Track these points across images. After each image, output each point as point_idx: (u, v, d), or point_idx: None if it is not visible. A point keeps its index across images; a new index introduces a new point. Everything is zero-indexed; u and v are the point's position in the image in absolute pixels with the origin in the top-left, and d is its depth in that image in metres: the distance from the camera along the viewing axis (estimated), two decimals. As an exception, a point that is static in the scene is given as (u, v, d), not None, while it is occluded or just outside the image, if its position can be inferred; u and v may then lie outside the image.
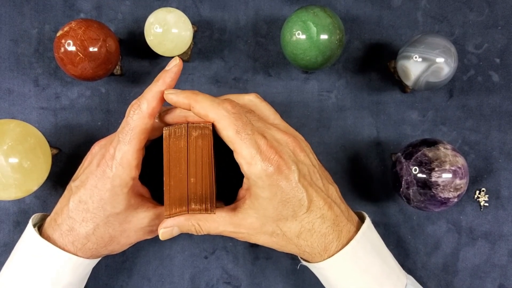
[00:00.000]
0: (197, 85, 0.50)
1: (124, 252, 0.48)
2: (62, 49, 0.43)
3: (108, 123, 0.50)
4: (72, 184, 0.43)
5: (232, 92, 0.50)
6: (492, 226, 0.50)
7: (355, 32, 0.50)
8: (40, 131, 0.46)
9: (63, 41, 0.43)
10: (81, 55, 0.43)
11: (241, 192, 0.43)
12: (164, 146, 0.39)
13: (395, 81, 0.50)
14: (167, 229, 0.41)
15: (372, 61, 0.51)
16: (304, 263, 0.44)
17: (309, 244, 0.40)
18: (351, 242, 0.40)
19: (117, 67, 0.49)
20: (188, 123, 0.40)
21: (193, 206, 0.39)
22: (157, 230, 0.43)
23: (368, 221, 0.43)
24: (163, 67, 0.50)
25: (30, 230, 0.42)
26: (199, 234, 0.42)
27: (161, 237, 0.41)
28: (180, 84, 0.50)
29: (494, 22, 0.50)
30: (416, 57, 0.44)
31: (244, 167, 0.38)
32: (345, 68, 0.51)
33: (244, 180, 0.41)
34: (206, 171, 0.39)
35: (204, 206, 0.39)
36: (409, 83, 0.45)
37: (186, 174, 0.39)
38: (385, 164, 0.51)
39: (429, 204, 0.43)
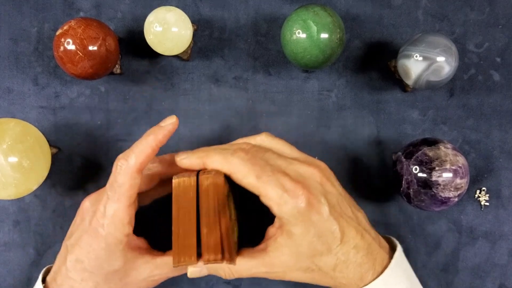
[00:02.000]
0: (197, 84, 0.50)
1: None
2: (62, 48, 0.43)
3: (108, 122, 0.50)
4: (67, 242, 0.42)
5: (231, 91, 0.50)
6: (493, 225, 0.50)
7: (355, 31, 0.50)
8: (39, 130, 0.46)
9: (62, 40, 0.43)
10: (81, 54, 0.43)
11: (271, 230, 0.42)
12: (174, 196, 0.38)
13: (395, 80, 0.50)
14: (196, 269, 0.41)
15: (373, 60, 0.51)
16: None
17: (345, 275, 0.39)
18: (386, 270, 0.39)
19: (116, 66, 0.49)
20: (198, 172, 0.39)
21: (207, 257, 0.37)
22: (159, 279, 0.43)
23: (400, 248, 0.42)
24: (163, 66, 0.50)
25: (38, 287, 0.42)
26: (230, 278, 0.41)
27: (189, 275, 0.41)
28: (180, 83, 0.50)
29: (495, 21, 0.50)
30: (416, 56, 0.43)
31: (274, 209, 0.37)
32: (346, 67, 0.51)
33: (276, 219, 0.40)
34: (218, 221, 0.37)
35: (220, 256, 0.37)
36: (410, 82, 0.45)
37: (195, 224, 0.38)
38: (386, 163, 0.51)
39: (430, 203, 0.43)
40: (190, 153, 0.40)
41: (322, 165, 0.42)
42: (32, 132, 0.44)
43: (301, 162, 0.40)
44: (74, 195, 0.50)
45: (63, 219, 0.50)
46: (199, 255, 0.38)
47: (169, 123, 0.40)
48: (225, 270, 0.40)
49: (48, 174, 0.45)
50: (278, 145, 0.43)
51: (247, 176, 0.37)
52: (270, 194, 0.37)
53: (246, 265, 0.40)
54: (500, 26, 0.50)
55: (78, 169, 0.50)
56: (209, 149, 0.40)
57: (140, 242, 0.43)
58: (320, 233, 0.38)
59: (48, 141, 0.47)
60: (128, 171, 0.38)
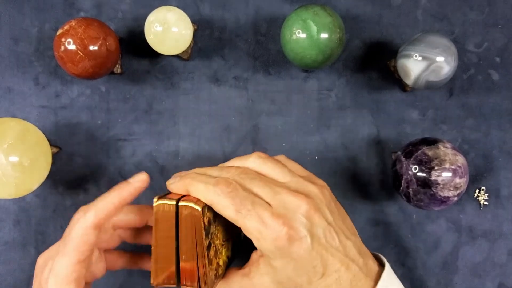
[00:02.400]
0: (197, 83, 0.50)
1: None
2: (62, 48, 0.43)
3: (108, 122, 0.50)
4: None
5: (231, 91, 0.50)
6: (492, 225, 0.50)
7: (355, 31, 0.50)
8: (40, 129, 0.46)
9: (63, 39, 0.43)
10: (81, 54, 0.43)
11: (254, 256, 0.41)
12: (154, 218, 0.38)
13: (395, 80, 0.50)
14: None
15: (372, 60, 0.51)
16: None
17: None
18: None
19: (117, 65, 0.49)
20: (178, 200, 0.38)
21: (184, 282, 0.38)
22: None
23: (387, 270, 0.40)
24: (163, 66, 0.50)
25: None
26: None
27: None
28: (180, 83, 0.50)
29: (494, 21, 0.50)
30: (416, 56, 0.44)
31: (254, 242, 0.37)
32: (345, 67, 0.51)
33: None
34: (195, 250, 0.38)
35: (197, 284, 0.38)
36: (409, 82, 0.45)
37: (174, 248, 0.38)
38: (385, 163, 0.51)
39: (429, 203, 0.43)
40: (178, 178, 0.40)
41: (314, 191, 0.39)
42: (32, 132, 0.44)
43: (289, 191, 0.38)
44: (75, 194, 0.50)
45: (63, 219, 0.50)
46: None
47: (138, 180, 0.39)
48: None
49: (49, 173, 0.45)
50: (268, 169, 0.41)
51: (226, 209, 0.37)
52: (250, 228, 0.37)
53: (227, 287, 0.40)
54: (499, 26, 0.50)
55: (79, 168, 0.50)
56: (196, 176, 0.39)
57: None
58: (300, 267, 0.37)
59: (48, 140, 0.47)
60: (83, 225, 0.37)
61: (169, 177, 0.50)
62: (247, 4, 0.50)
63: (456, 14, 0.50)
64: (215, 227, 0.40)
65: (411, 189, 0.43)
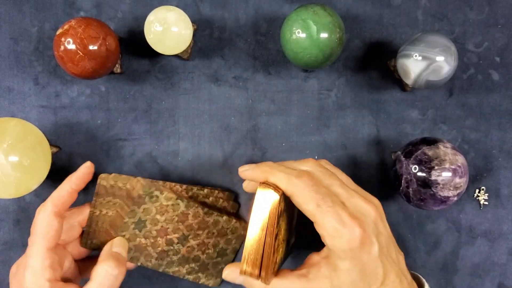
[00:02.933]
0: (197, 83, 0.50)
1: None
2: (62, 48, 0.43)
3: (108, 122, 0.50)
4: None
5: (231, 90, 0.50)
6: (492, 224, 0.50)
7: (355, 30, 0.50)
8: (40, 129, 0.46)
9: (63, 39, 0.43)
10: (81, 54, 0.43)
11: (315, 258, 0.41)
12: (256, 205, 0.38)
13: (395, 80, 0.50)
14: (232, 276, 0.42)
15: (372, 60, 0.51)
16: None
17: None
18: None
19: (117, 65, 0.49)
20: (282, 193, 0.38)
21: (244, 268, 0.38)
22: None
23: None
24: (163, 66, 0.50)
25: None
26: None
27: (224, 276, 0.42)
28: (180, 83, 0.50)
29: (494, 20, 0.50)
30: (416, 56, 0.43)
31: (327, 239, 0.37)
32: (345, 66, 0.51)
33: (324, 249, 0.40)
34: (263, 238, 0.38)
35: (257, 271, 0.38)
36: (409, 81, 0.45)
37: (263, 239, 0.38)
38: (385, 162, 0.51)
39: (429, 202, 0.43)
40: (254, 165, 0.41)
41: (377, 202, 0.41)
42: (32, 131, 0.44)
43: (360, 196, 0.40)
44: (75, 194, 0.50)
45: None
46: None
47: (83, 167, 0.45)
48: (259, 287, 0.40)
49: (49, 173, 0.45)
50: (338, 172, 0.43)
51: (307, 203, 0.37)
52: (327, 225, 0.37)
53: (282, 286, 0.40)
54: (499, 26, 0.50)
55: (79, 168, 0.50)
56: (274, 165, 0.40)
57: None
58: (365, 273, 0.37)
59: (48, 140, 0.47)
60: (44, 214, 0.41)
61: (169, 177, 0.50)
62: (247, 4, 0.50)
63: (456, 14, 0.50)
64: (282, 221, 0.40)
65: (411, 189, 0.43)
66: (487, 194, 0.50)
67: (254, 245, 0.38)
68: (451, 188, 0.42)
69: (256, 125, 0.50)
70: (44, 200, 0.50)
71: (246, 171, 0.40)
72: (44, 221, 0.40)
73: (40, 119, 0.50)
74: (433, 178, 0.42)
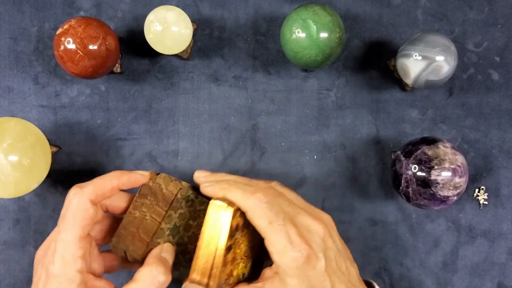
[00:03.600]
0: (196, 83, 0.50)
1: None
2: (62, 47, 0.43)
3: (108, 121, 0.50)
4: None
5: (231, 90, 0.50)
6: (492, 224, 0.50)
7: (355, 30, 0.50)
8: (40, 129, 0.46)
9: (62, 39, 0.43)
10: (81, 53, 0.43)
11: (268, 272, 0.41)
12: (205, 219, 0.39)
13: (395, 80, 0.50)
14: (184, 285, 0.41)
15: (372, 60, 0.51)
16: None
17: None
18: None
19: (116, 65, 0.49)
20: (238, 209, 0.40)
21: (194, 276, 0.39)
22: None
23: None
24: (162, 65, 0.50)
25: None
26: None
27: None
28: (180, 82, 0.50)
29: (494, 20, 0.50)
30: (416, 56, 0.43)
31: (275, 256, 0.38)
32: (345, 66, 0.51)
33: (274, 264, 0.41)
34: (216, 247, 0.39)
35: (206, 280, 0.39)
36: (409, 81, 0.45)
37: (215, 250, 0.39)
38: (385, 162, 0.51)
39: (429, 202, 0.43)
40: (214, 181, 0.41)
41: (327, 219, 0.42)
42: (32, 131, 0.44)
43: (307, 214, 0.41)
44: (74, 194, 0.50)
45: (63, 218, 0.50)
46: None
47: (141, 173, 0.42)
48: None
49: (48, 173, 0.45)
50: (287, 192, 0.43)
51: (260, 219, 0.38)
52: (276, 242, 0.38)
53: None
54: (499, 26, 0.50)
55: (78, 168, 0.50)
56: (232, 182, 0.41)
57: (101, 284, 0.39)
58: (312, 287, 0.38)
59: (48, 140, 0.47)
60: (81, 199, 0.37)
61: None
62: (246, 4, 0.50)
63: (456, 14, 0.50)
64: (241, 236, 0.41)
65: (410, 189, 0.43)
66: (486, 194, 0.50)
67: (204, 255, 0.38)
68: (451, 188, 0.42)
69: (255, 125, 0.51)
70: (43, 199, 0.50)
71: (206, 187, 0.41)
72: (80, 206, 0.37)
73: (40, 118, 0.50)
74: (432, 177, 0.42)
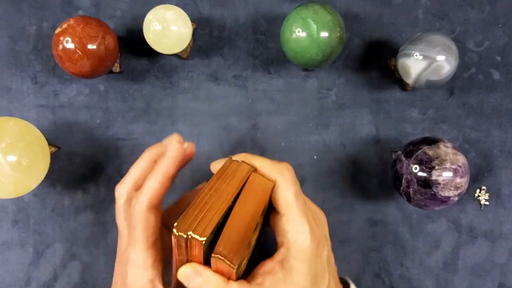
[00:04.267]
0: (196, 82, 0.50)
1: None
2: (61, 47, 0.43)
3: (107, 121, 0.50)
4: None
5: (231, 89, 0.50)
6: (493, 224, 0.50)
7: (355, 29, 0.50)
8: (38, 128, 0.45)
9: (61, 38, 0.43)
10: (80, 53, 0.43)
11: (269, 264, 0.38)
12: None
13: (395, 79, 0.50)
14: (191, 273, 0.37)
15: (373, 59, 0.50)
16: None
17: None
18: None
19: (116, 64, 0.49)
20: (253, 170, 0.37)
21: (221, 249, 0.33)
22: None
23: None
24: (162, 65, 0.50)
25: None
26: None
27: (179, 276, 0.38)
28: (179, 82, 0.50)
29: (495, 19, 0.50)
30: (416, 55, 0.43)
31: (290, 235, 0.37)
32: (345, 65, 0.50)
33: (282, 250, 0.38)
34: (251, 222, 0.35)
35: (230, 255, 0.33)
36: (410, 81, 0.45)
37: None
38: (385, 162, 0.51)
39: (430, 202, 0.43)
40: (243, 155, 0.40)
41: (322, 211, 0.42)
42: (31, 131, 0.44)
43: (312, 203, 0.41)
44: (73, 194, 0.50)
45: (62, 218, 0.50)
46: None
47: (173, 149, 0.37)
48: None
49: (47, 173, 0.45)
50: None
51: (287, 190, 0.37)
52: (297, 220, 0.37)
53: None
54: (500, 25, 0.50)
55: (77, 167, 0.50)
56: (255, 155, 0.40)
57: None
58: (317, 276, 0.37)
59: (47, 139, 0.47)
60: (140, 210, 0.37)
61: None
62: (246, 3, 0.50)
63: (457, 13, 0.50)
64: (258, 227, 0.38)
65: (411, 189, 0.43)
66: (487, 194, 0.50)
67: (234, 229, 0.34)
68: (452, 188, 0.42)
69: (255, 125, 0.50)
70: (42, 199, 0.50)
71: (234, 157, 0.39)
72: (140, 218, 0.37)
73: (39, 118, 0.50)
74: (433, 178, 0.42)
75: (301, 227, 0.36)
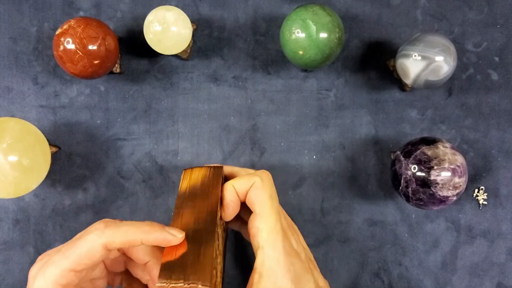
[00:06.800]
0: (196, 83, 0.50)
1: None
2: (61, 47, 0.43)
3: (107, 121, 0.50)
4: None
5: (230, 90, 0.50)
6: (491, 224, 0.50)
7: (354, 30, 0.50)
8: (39, 129, 0.46)
9: (62, 39, 0.43)
10: (80, 53, 0.43)
11: (252, 277, 0.38)
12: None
13: (394, 80, 0.50)
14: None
15: (371, 60, 0.51)
16: None
17: None
18: None
19: (116, 65, 0.49)
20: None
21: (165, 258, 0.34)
22: None
23: None
24: (162, 65, 0.50)
25: None
26: None
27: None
28: (179, 82, 0.50)
29: (493, 20, 0.50)
30: (415, 56, 0.44)
31: (264, 233, 0.37)
32: (344, 66, 0.51)
33: (257, 263, 0.37)
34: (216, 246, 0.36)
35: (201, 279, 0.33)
36: (408, 81, 0.45)
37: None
38: (384, 162, 0.51)
39: (428, 202, 0.43)
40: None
41: None
42: (31, 131, 0.44)
43: (281, 208, 0.43)
44: (74, 194, 0.50)
45: (62, 218, 0.50)
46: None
47: (174, 233, 0.36)
48: None
49: (48, 173, 0.45)
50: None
51: (265, 189, 0.39)
52: (269, 218, 0.38)
53: None
54: (498, 26, 0.50)
55: (78, 168, 0.50)
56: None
57: None
58: (299, 278, 0.38)
59: (47, 140, 0.47)
60: (95, 239, 0.35)
61: (169, 177, 0.50)
62: (246, 4, 0.50)
63: (455, 14, 0.50)
64: (219, 229, 0.38)
65: (410, 189, 0.43)
66: (486, 194, 0.51)
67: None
68: (450, 188, 0.42)
69: (255, 125, 0.51)
70: (43, 200, 0.50)
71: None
72: (90, 245, 0.35)
73: (40, 119, 0.50)
74: (432, 178, 0.42)
75: (273, 225, 0.38)
